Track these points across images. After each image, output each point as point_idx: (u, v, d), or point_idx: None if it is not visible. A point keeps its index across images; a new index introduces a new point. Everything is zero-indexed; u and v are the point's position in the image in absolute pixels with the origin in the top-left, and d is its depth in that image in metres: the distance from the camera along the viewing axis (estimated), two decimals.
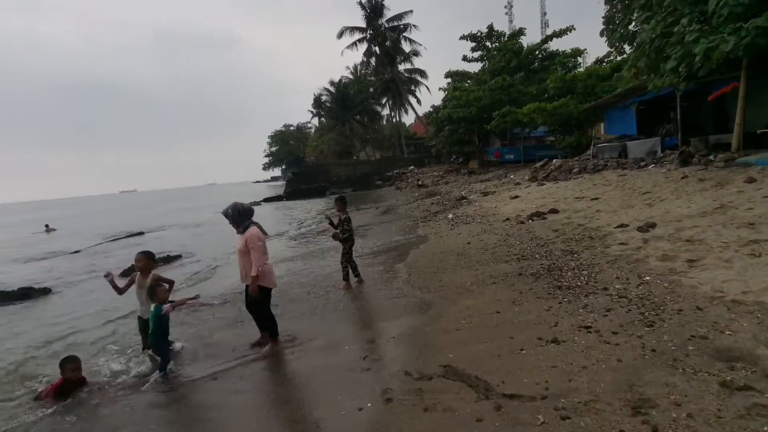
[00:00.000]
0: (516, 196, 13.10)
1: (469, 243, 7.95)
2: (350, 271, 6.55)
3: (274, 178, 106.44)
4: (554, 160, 18.08)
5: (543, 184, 14.68)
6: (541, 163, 18.74)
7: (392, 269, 7.21)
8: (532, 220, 9.01)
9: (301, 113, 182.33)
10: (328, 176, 46.49)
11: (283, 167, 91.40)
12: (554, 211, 9.27)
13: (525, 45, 26.87)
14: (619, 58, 17.96)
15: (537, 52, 26.12)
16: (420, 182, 28.94)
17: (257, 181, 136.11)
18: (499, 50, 26.39)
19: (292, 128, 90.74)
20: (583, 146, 18.85)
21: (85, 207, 71.38)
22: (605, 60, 21.76)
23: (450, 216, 12.09)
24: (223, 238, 14.31)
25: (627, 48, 14.97)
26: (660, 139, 13.79)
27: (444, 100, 34.22)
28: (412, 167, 39.34)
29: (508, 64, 25.87)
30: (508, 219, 9.70)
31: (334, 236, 6.51)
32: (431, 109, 43.07)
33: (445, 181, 27.13)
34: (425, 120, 43.75)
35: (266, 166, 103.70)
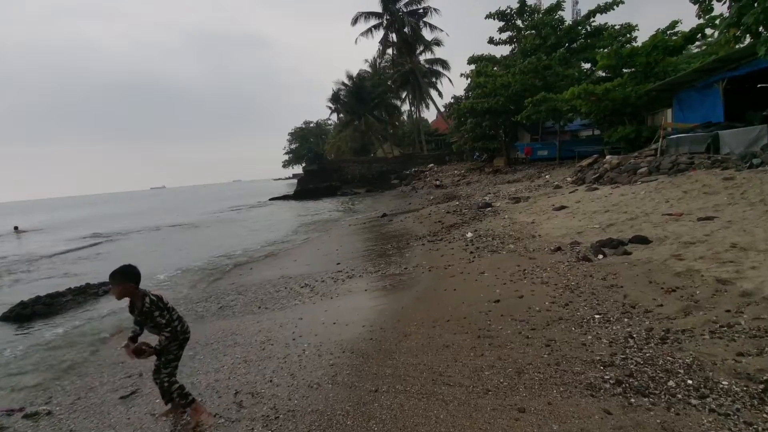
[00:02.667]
0: (562, 207, 9.48)
1: (498, 301, 4.48)
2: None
3: (295, 176, 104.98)
4: (607, 157, 14.21)
5: (595, 189, 11.00)
6: (588, 161, 14.92)
7: (345, 363, 3.68)
8: (603, 255, 5.45)
9: (323, 109, 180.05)
10: (342, 174, 43.37)
11: (303, 165, 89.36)
12: (641, 239, 5.64)
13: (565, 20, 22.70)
14: (698, 23, 13.82)
15: (580, 27, 21.90)
16: (438, 182, 25.45)
17: (278, 179, 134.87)
18: (534, 26, 22.32)
19: (312, 125, 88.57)
20: (643, 139, 14.86)
21: (103, 206, 71.18)
22: (667, 31, 17.47)
23: (469, 235, 8.60)
24: (189, 246, 11.35)
25: (717, 5, 11.15)
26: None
27: (467, 89, 30.42)
28: (431, 165, 35.84)
29: (545, 42, 21.80)
30: (559, 248, 6.16)
31: (138, 352, 2.70)
32: (452, 100, 39.17)
33: (466, 181, 23.60)
34: (446, 113, 39.93)
35: (286, 164, 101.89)
